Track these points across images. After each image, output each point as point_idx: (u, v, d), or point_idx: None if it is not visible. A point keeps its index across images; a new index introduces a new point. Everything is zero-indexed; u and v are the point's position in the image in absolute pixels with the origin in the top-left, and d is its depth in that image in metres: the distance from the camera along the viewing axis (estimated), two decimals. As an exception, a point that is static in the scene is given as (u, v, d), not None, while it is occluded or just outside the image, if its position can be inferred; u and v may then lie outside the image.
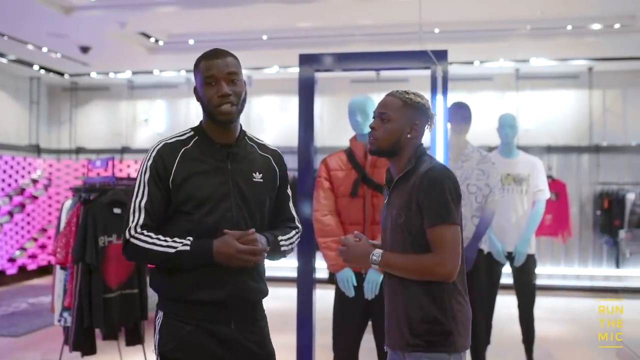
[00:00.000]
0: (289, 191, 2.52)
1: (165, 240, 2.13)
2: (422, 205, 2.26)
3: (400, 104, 2.38)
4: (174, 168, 2.20)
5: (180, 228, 2.20)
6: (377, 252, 2.33)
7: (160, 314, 2.25)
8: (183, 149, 2.24)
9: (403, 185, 2.35)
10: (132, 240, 2.15)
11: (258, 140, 2.45)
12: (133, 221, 2.16)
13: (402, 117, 2.37)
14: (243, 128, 2.36)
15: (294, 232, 2.47)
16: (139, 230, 2.15)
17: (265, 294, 2.37)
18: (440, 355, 2.24)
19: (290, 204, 2.52)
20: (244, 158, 2.32)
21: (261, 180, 2.34)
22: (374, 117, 2.44)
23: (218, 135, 2.27)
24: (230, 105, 2.21)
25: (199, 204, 2.20)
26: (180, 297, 2.21)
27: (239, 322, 2.25)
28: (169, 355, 2.20)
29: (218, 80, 2.21)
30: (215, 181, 2.23)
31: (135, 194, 2.20)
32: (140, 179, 2.21)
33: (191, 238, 2.14)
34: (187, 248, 2.11)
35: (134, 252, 2.17)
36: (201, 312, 2.20)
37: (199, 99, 2.27)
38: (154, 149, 2.24)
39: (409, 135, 2.37)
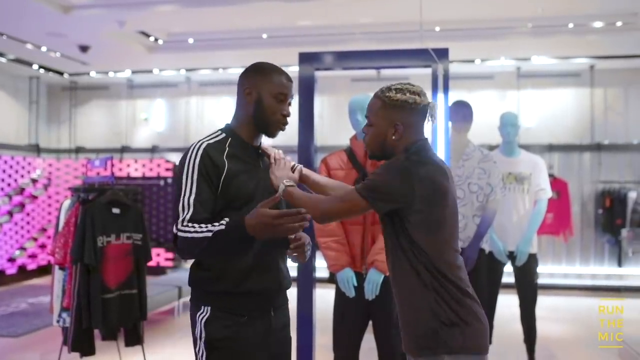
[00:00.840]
0: None
1: (206, 226, 2.17)
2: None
3: (379, 104, 2.30)
4: (226, 165, 2.28)
5: None
6: (289, 181, 2.34)
7: (206, 308, 2.29)
8: (226, 149, 2.33)
9: None
10: (179, 233, 2.19)
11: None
12: (181, 216, 2.21)
13: (382, 119, 2.29)
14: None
15: None
16: (185, 223, 2.19)
17: (291, 282, 2.51)
18: (437, 358, 2.15)
19: None
20: (265, 160, 2.48)
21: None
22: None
23: (250, 138, 2.40)
24: (285, 125, 2.41)
25: (247, 200, 2.29)
26: (229, 290, 2.28)
27: (276, 309, 2.40)
28: (221, 345, 2.27)
29: (286, 100, 2.37)
30: (255, 179, 2.36)
31: (183, 191, 2.24)
32: (188, 176, 2.25)
33: (227, 219, 2.17)
34: (223, 227, 2.15)
35: (181, 244, 2.21)
36: (248, 303, 2.30)
37: (256, 104, 2.35)
38: (198, 148, 2.29)
39: (394, 137, 2.28)
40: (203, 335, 2.28)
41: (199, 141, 2.33)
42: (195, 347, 2.31)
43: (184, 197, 2.23)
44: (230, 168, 2.28)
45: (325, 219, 2.29)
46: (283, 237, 2.32)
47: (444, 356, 2.14)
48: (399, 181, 2.17)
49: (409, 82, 2.35)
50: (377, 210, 2.23)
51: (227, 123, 2.45)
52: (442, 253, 2.21)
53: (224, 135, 2.38)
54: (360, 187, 2.22)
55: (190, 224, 2.18)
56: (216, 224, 2.16)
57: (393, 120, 2.27)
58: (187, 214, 2.20)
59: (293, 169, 2.47)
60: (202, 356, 2.28)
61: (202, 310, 2.30)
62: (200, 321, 2.29)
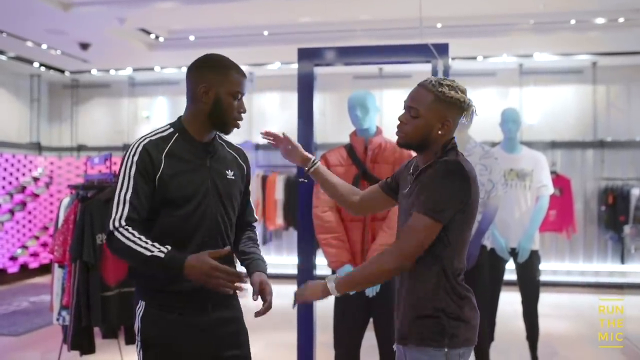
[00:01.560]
0: (250, 189, 2.61)
1: (146, 242, 2.11)
2: (421, 191, 2.19)
3: (431, 98, 2.22)
4: (162, 165, 2.23)
5: (164, 223, 2.24)
6: (331, 278, 2.28)
7: (142, 303, 2.29)
8: (168, 147, 2.28)
9: (422, 176, 2.25)
10: (116, 233, 2.13)
11: (225, 139, 2.53)
12: (117, 213, 2.15)
13: (433, 113, 2.22)
14: (244, 125, 2.43)
15: (258, 247, 2.58)
16: (123, 223, 2.13)
17: None
18: (431, 350, 2.19)
19: (251, 202, 2.63)
20: (219, 156, 2.41)
21: (233, 177, 2.43)
22: (403, 108, 2.30)
23: (200, 134, 2.34)
24: (240, 121, 2.37)
25: (184, 201, 2.26)
26: (161, 289, 2.25)
27: (215, 306, 2.32)
28: (152, 342, 2.26)
29: (241, 98, 2.34)
30: (198, 179, 2.30)
31: (119, 186, 2.19)
32: (125, 173, 2.20)
33: (169, 247, 2.12)
34: (162, 255, 2.09)
35: (116, 245, 2.14)
36: (181, 301, 2.26)
37: (213, 101, 2.29)
38: (138, 144, 2.24)
39: (440, 132, 2.24)
40: (140, 330, 2.27)
41: (141, 137, 2.28)
42: (135, 342, 2.30)
43: (119, 192, 2.17)
44: (167, 167, 2.23)
45: (409, 261, 2.19)
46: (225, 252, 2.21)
47: (445, 348, 2.18)
48: (459, 185, 2.17)
49: (454, 79, 2.31)
50: (443, 223, 2.16)
51: (180, 116, 2.39)
52: (463, 251, 2.27)
53: (171, 130, 2.32)
54: (423, 210, 2.15)
55: (130, 228, 2.12)
56: (158, 245, 2.10)
57: (444, 116, 2.23)
58: (123, 211, 2.14)
59: (307, 159, 2.60)
60: (139, 352, 2.27)
61: (139, 305, 2.30)
62: (139, 315, 2.29)
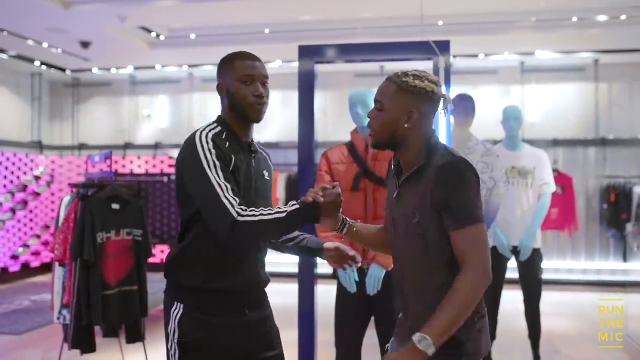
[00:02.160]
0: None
1: (270, 210, 2.13)
2: (441, 203, 1.99)
3: (394, 88, 2.08)
4: (233, 158, 2.24)
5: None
6: (417, 339, 1.92)
7: (179, 305, 2.26)
8: (226, 143, 2.27)
9: (416, 181, 2.07)
10: (242, 218, 2.09)
11: (257, 140, 2.53)
12: (228, 201, 2.11)
13: (396, 104, 2.07)
14: (203, 128, 2.36)
15: None
16: (241, 210, 2.10)
17: (269, 279, 2.47)
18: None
19: None
20: (258, 157, 2.42)
21: (268, 178, 2.46)
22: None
23: (242, 132, 2.34)
24: (262, 105, 2.30)
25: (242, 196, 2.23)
26: (201, 286, 2.25)
27: (251, 307, 2.33)
28: (193, 344, 2.24)
29: (254, 81, 2.28)
30: (247, 177, 2.31)
31: (212, 176, 2.14)
32: (208, 161, 2.17)
33: (293, 201, 2.17)
34: (297, 207, 2.14)
35: (247, 229, 2.10)
36: (219, 302, 2.26)
37: (227, 95, 2.32)
38: (206, 135, 2.22)
39: (406, 125, 2.07)
40: (176, 334, 2.24)
41: (199, 130, 2.25)
42: (167, 343, 2.28)
43: (216, 180, 2.13)
44: (236, 161, 2.25)
45: (490, 275, 1.98)
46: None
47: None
48: (476, 187, 2.03)
49: (424, 70, 2.17)
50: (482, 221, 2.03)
51: (219, 115, 2.38)
52: None
53: (219, 128, 2.31)
54: (466, 221, 1.97)
55: (247, 209, 2.11)
56: (281, 207, 2.14)
57: (408, 107, 2.07)
58: (234, 200, 2.12)
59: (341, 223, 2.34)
60: (174, 354, 2.25)
61: (175, 307, 2.27)
62: (175, 318, 2.26)
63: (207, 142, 2.20)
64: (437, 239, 2.04)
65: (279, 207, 2.13)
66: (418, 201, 2.05)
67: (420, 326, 1.96)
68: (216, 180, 2.13)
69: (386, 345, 2.39)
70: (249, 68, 2.29)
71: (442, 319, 1.93)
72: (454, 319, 1.94)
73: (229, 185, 2.14)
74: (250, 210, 2.10)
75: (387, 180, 2.36)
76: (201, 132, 2.24)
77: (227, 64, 2.33)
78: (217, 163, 2.17)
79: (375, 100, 2.14)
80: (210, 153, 2.17)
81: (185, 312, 2.25)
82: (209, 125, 2.30)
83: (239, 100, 2.28)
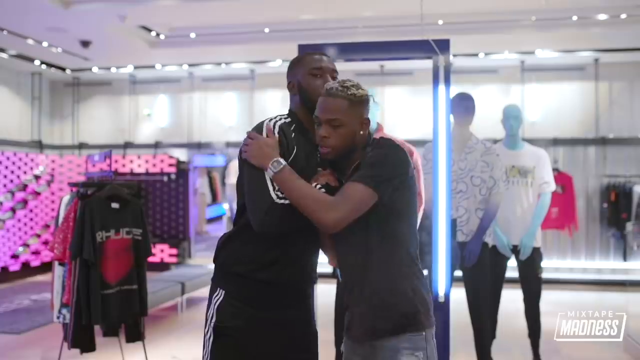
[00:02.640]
0: None
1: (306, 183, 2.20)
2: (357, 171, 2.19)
3: (346, 104, 2.21)
4: (295, 148, 2.29)
5: None
6: (281, 162, 2.18)
7: (221, 292, 2.31)
8: (294, 133, 2.33)
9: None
10: (279, 201, 2.17)
11: None
12: (274, 188, 2.19)
13: (352, 117, 2.22)
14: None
15: None
16: (279, 194, 2.18)
17: (317, 278, 2.50)
18: (409, 336, 2.18)
19: None
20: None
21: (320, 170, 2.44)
22: (317, 124, 2.24)
23: (312, 128, 2.33)
24: None
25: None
26: (245, 275, 2.28)
27: (294, 304, 2.35)
28: (228, 331, 2.27)
29: (324, 74, 2.36)
30: (313, 168, 2.33)
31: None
32: None
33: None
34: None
35: (281, 210, 2.17)
36: (261, 292, 2.28)
37: (298, 91, 2.37)
38: (274, 124, 2.31)
39: (362, 132, 2.26)
40: (214, 319, 2.29)
41: (271, 118, 2.34)
42: (205, 328, 2.32)
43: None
44: (298, 150, 2.29)
45: (340, 226, 2.16)
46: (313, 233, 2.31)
47: (423, 332, 2.19)
48: (400, 158, 2.20)
49: (348, 78, 2.32)
50: (381, 196, 2.15)
51: (290, 108, 2.43)
52: (414, 238, 2.28)
53: (290, 119, 2.37)
54: (359, 179, 2.14)
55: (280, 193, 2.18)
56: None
57: (361, 117, 2.25)
58: (274, 186, 2.19)
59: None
60: (209, 339, 2.29)
61: (217, 293, 2.32)
62: (215, 303, 2.31)
63: (274, 128, 2.29)
64: (373, 215, 2.17)
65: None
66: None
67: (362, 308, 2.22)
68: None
69: (340, 347, 2.42)
70: (318, 61, 2.37)
71: (296, 183, 2.16)
72: (293, 192, 2.15)
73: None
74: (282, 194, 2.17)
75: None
76: (270, 120, 2.32)
77: (297, 61, 2.41)
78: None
79: (328, 120, 2.20)
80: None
81: (226, 299, 2.29)
82: (281, 115, 2.38)
83: (310, 94, 2.32)
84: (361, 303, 2.23)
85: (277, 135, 2.26)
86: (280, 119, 2.34)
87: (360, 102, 2.24)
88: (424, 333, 2.19)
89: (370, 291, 2.21)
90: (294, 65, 2.41)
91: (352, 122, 2.22)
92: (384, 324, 2.18)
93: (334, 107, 2.21)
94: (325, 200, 2.14)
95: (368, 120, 2.27)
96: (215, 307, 2.30)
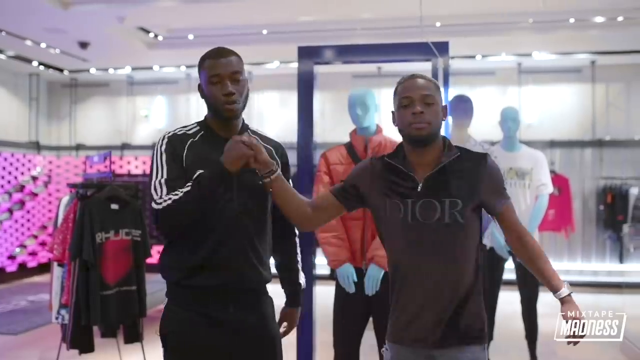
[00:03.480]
0: (290, 182, 2.50)
1: (181, 189, 2.18)
2: (486, 195, 2.24)
3: (433, 86, 2.26)
4: (184, 156, 2.27)
5: None
6: (566, 288, 2.29)
7: (166, 300, 2.35)
8: (190, 140, 2.32)
9: (450, 173, 2.21)
10: (159, 206, 2.17)
11: (260, 133, 2.52)
12: (157, 195, 2.19)
13: (439, 100, 2.26)
14: (175, 128, 2.43)
15: (298, 252, 2.65)
16: (163, 197, 2.18)
17: (267, 280, 2.40)
18: (473, 348, 2.23)
19: None
20: None
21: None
22: (406, 105, 2.22)
23: (222, 130, 2.35)
24: (234, 104, 2.27)
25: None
26: (180, 282, 2.28)
27: (238, 307, 2.30)
28: (170, 338, 2.29)
29: (222, 79, 2.27)
30: (221, 172, 2.25)
31: (154, 175, 2.24)
32: (157, 161, 2.26)
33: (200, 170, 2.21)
34: (204, 173, 2.18)
35: (164, 213, 2.17)
36: (199, 298, 2.26)
37: (203, 96, 2.35)
38: (164, 137, 2.31)
39: (443, 119, 2.29)
40: (160, 328, 2.32)
41: (167, 131, 2.35)
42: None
43: (155, 180, 2.22)
44: (188, 157, 2.26)
45: None
46: (246, 232, 2.30)
47: (485, 345, 2.25)
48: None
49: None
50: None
51: (206, 115, 2.41)
52: None
53: (197, 128, 2.37)
54: (508, 197, 2.32)
55: (167, 195, 2.18)
56: (190, 183, 2.18)
57: (442, 102, 2.29)
58: (162, 192, 2.19)
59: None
60: (163, 347, 2.33)
61: (165, 302, 2.36)
62: (162, 312, 2.35)
63: (162, 139, 2.30)
64: (475, 226, 2.24)
65: (189, 184, 2.19)
66: (462, 190, 2.20)
67: (441, 314, 2.18)
68: (155, 175, 2.24)
69: (382, 348, 2.40)
70: (216, 67, 2.28)
71: (552, 269, 2.32)
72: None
73: (163, 177, 2.22)
74: (167, 196, 2.17)
75: (368, 184, 2.33)
76: (163, 134, 2.34)
77: (200, 65, 2.34)
78: (164, 155, 2.26)
79: (424, 95, 2.21)
80: (161, 148, 2.28)
81: (168, 306, 2.33)
82: (181, 127, 2.38)
83: (211, 101, 2.30)
84: (434, 312, 2.20)
85: (164, 146, 2.27)
86: (175, 131, 2.34)
87: (439, 89, 2.29)
88: (485, 345, 2.25)
89: (448, 302, 2.19)
90: (199, 69, 2.35)
91: (439, 104, 2.25)
92: (449, 335, 2.18)
93: (426, 85, 2.24)
94: (536, 244, 2.42)
95: (446, 108, 2.31)
96: (162, 313, 2.34)
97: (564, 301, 2.28)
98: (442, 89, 2.35)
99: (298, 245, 2.63)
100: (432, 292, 2.19)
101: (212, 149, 2.28)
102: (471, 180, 2.22)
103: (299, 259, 2.64)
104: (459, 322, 2.19)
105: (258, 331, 2.34)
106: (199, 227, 2.24)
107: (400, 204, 2.22)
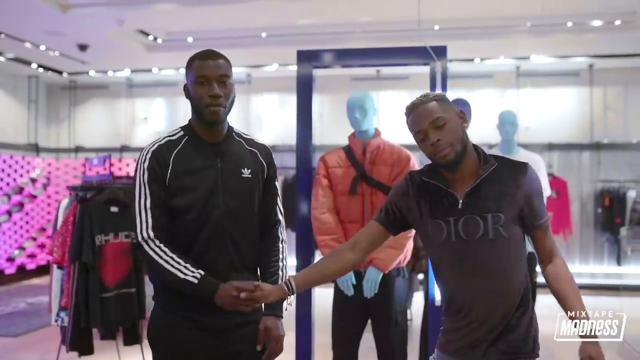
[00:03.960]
0: (276, 185, 2.52)
1: (178, 262, 2.18)
2: (528, 207, 2.18)
3: (437, 104, 2.16)
4: (170, 168, 2.25)
5: (175, 226, 2.26)
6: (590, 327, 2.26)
7: (153, 304, 2.36)
8: (176, 150, 2.29)
9: (490, 186, 2.15)
10: (145, 246, 2.20)
11: (246, 136, 2.48)
12: (142, 223, 2.20)
13: (450, 112, 2.17)
14: (241, 126, 2.39)
15: (282, 258, 2.50)
16: (151, 235, 2.19)
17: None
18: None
19: (278, 201, 2.52)
20: (232, 155, 2.36)
21: (250, 175, 2.37)
22: (422, 138, 2.16)
23: (206, 134, 2.32)
24: (219, 107, 2.25)
25: (189, 202, 2.25)
26: (161, 287, 2.29)
27: (224, 310, 2.23)
28: (157, 342, 2.31)
29: (210, 81, 2.25)
30: (206, 179, 2.28)
31: (137, 195, 2.24)
32: (140, 181, 2.25)
33: (202, 272, 2.18)
34: (195, 281, 2.16)
35: (148, 258, 2.21)
36: (186, 301, 2.24)
37: (188, 97, 2.32)
38: (147, 151, 2.28)
39: (465, 125, 2.21)
40: (147, 332, 2.35)
41: (152, 142, 2.32)
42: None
43: (139, 201, 2.22)
44: (175, 170, 2.25)
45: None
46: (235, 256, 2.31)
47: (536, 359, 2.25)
48: None
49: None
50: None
51: (190, 118, 2.39)
52: None
53: (181, 133, 2.34)
54: (547, 216, 2.27)
55: (161, 245, 2.19)
56: (190, 268, 2.17)
57: (454, 109, 2.21)
58: (147, 220, 2.20)
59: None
60: (152, 351, 2.35)
61: (153, 306, 2.36)
62: (150, 316, 2.36)
63: (146, 154, 2.27)
64: (519, 237, 2.22)
65: (188, 268, 2.17)
66: (504, 203, 2.15)
67: (499, 331, 2.16)
68: (138, 196, 2.24)
69: (430, 356, 2.39)
70: (204, 68, 2.26)
71: (578, 294, 2.29)
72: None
73: (148, 200, 2.22)
74: (163, 248, 2.19)
75: (408, 204, 2.28)
76: (147, 146, 2.30)
77: (188, 65, 2.32)
78: (146, 175, 2.24)
79: (432, 122, 2.14)
80: (144, 166, 2.25)
81: (155, 310, 2.34)
82: (165, 135, 2.36)
83: (196, 102, 2.28)
84: (484, 327, 2.17)
85: (147, 163, 2.25)
86: (159, 142, 2.31)
87: (445, 99, 2.22)
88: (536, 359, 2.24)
89: (500, 318, 2.17)
90: (187, 68, 2.33)
91: (452, 117, 2.16)
92: (501, 349, 2.16)
93: (431, 109, 2.15)
94: (568, 270, 2.37)
95: (463, 113, 2.23)
96: (150, 317, 2.35)
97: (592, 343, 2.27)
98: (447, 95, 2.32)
99: (283, 250, 2.51)
100: (482, 307, 2.16)
101: (197, 154, 2.29)
102: (511, 191, 2.15)
103: (283, 264, 2.47)
104: (509, 336, 2.16)
105: (246, 334, 2.33)
106: (186, 232, 2.25)
107: (442, 223, 2.18)
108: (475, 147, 2.25)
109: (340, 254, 2.34)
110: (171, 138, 2.33)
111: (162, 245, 2.18)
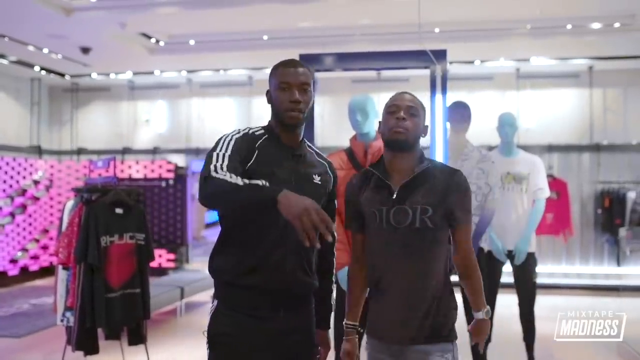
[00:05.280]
0: (335, 208, 2.61)
1: (242, 179, 2.10)
2: (453, 205, 2.38)
3: (419, 103, 2.47)
4: (255, 154, 2.30)
5: (244, 220, 2.29)
6: (485, 312, 2.52)
7: (215, 302, 2.36)
8: (259, 142, 2.36)
9: (422, 182, 2.38)
10: (214, 174, 2.13)
11: (314, 148, 2.57)
12: (215, 162, 2.18)
13: (423, 116, 2.47)
14: (245, 128, 2.43)
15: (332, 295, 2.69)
16: (225, 169, 2.15)
17: (315, 286, 2.45)
18: (446, 345, 2.39)
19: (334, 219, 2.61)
20: (306, 160, 2.45)
21: (319, 182, 2.45)
22: (393, 111, 2.42)
23: (285, 137, 2.39)
24: (298, 112, 2.33)
25: None
26: (232, 282, 2.29)
27: (288, 311, 2.33)
28: (220, 340, 2.30)
29: (291, 87, 2.33)
30: (281, 175, 2.31)
31: (217, 147, 2.25)
32: (225, 141, 2.29)
33: (263, 181, 2.11)
34: (259, 184, 2.07)
35: (212, 187, 2.13)
36: (253, 300, 2.28)
37: (270, 101, 2.41)
38: (237, 131, 2.36)
39: (422, 135, 2.47)
40: (208, 329, 2.34)
41: (239, 129, 2.39)
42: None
43: (218, 150, 2.23)
44: (257, 158, 2.29)
45: None
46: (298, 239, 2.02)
47: (455, 342, 2.42)
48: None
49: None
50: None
51: (269, 121, 2.44)
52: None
53: (262, 131, 2.40)
54: (468, 220, 2.45)
55: (225, 171, 2.14)
56: (253, 181, 2.08)
57: (424, 121, 2.50)
58: (222, 162, 2.18)
59: None
60: (207, 350, 2.33)
61: (212, 304, 2.36)
62: (210, 315, 2.35)
63: (233, 134, 2.33)
64: (444, 232, 2.41)
65: (251, 181, 2.10)
66: (432, 199, 2.37)
67: (418, 315, 2.35)
68: (219, 148, 2.25)
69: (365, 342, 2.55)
70: (288, 75, 2.34)
71: (480, 289, 2.49)
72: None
73: (228, 152, 2.23)
74: (225, 172, 2.14)
75: (357, 199, 2.50)
76: (234, 130, 2.37)
77: (272, 72, 2.40)
78: (232, 142, 2.27)
79: (409, 107, 2.43)
80: (232, 136, 2.31)
81: (218, 308, 2.33)
82: (248, 128, 2.42)
83: (276, 107, 2.36)
84: (406, 310, 2.37)
85: (238, 135, 2.32)
86: (245, 131, 2.38)
87: (425, 111, 2.51)
88: (454, 342, 2.42)
89: (420, 302, 2.37)
90: (270, 75, 2.41)
91: (422, 121, 2.46)
92: (424, 330, 2.36)
93: (413, 100, 2.46)
94: (477, 268, 2.51)
95: (427, 128, 2.51)
96: (210, 317, 2.35)
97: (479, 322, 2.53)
98: (434, 106, 2.49)
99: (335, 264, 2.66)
100: (404, 291, 2.36)
101: (276, 151, 2.35)
102: (440, 189, 2.38)
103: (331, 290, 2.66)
104: (430, 320, 2.35)
105: (304, 337, 2.40)
106: (254, 229, 2.26)
107: (376, 212, 2.42)
108: (420, 151, 2.49)
109: (358, 277, 2.59)
110: (255, 132, 2.39)
111: (234, 175, 2.12)
